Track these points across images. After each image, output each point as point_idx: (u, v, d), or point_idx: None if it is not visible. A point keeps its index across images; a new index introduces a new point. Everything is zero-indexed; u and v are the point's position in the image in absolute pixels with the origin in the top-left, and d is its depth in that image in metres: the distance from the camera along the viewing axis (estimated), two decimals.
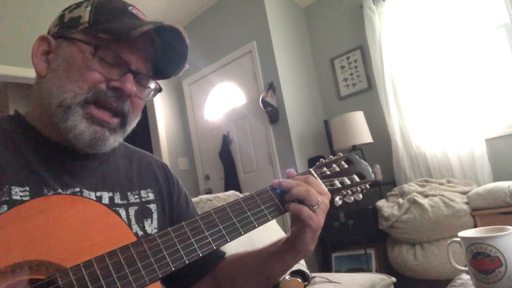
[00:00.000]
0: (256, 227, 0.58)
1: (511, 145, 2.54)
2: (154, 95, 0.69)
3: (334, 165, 0.73)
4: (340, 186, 0.69)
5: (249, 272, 0.71)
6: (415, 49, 2.85)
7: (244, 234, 0.57)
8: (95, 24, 0.60)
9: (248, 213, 0.58)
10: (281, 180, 0.63)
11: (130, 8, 0.64)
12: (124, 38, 0.58)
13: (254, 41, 3.29)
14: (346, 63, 3.37)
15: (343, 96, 3.39)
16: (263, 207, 0.60)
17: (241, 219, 0.57)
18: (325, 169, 0.72)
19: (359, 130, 2.83)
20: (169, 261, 0.49)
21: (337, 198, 0.69)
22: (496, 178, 2.47)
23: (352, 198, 0.71)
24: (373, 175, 0.75)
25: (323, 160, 0.74)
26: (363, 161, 0.76)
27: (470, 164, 2.58)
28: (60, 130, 0.58)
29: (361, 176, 0.73)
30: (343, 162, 0.74)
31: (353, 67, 3.32)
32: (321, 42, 3.57)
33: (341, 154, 0.77)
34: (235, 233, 0.56)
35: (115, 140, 0.62)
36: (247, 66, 3.38)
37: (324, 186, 0.66)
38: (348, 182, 0.71)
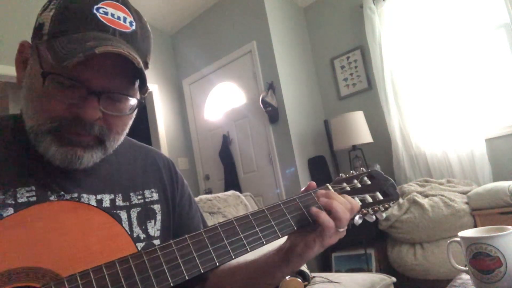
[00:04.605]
0: (280, 237, 0.56)
1: (511, 145, 2.54)
2: (138, 106, 0.60)
3: (355, 181, 0.69)
4: (360, 204, 0.65)
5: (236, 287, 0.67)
6: (415, 49, 2.84)
7: (266, 243, 0.55)
8: (53, 37, 0.52)
9: (272, 222, 0.56)
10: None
11: (96, 7, 0.53)
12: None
13: (254, 41, 3.29)
14: (346, 63, 3.36)
15: (343, 96, 3.38)
16: (288, 216, 0.58)
17: (264, 228, 0.55)
18: (345, 184, 0.68)
19: (359, 130, 2.83)
20: (168, 276, 0.46)
21: (356, 217, 0.64)
22: (496, 178, 2.47)
23: (373, 217, 0.66)
24: (398, 193, 0.69)
25: (343, 175, 0.70)
26: (387, 177, 0.71)
27: (470, 164, 2.58)
28: None
29: (385, 194, 0.68)
30: (365, 178, 0.69)
31: (353, 67, 3.32)
32: (321, 42, 3.56)
33: (364, 169, 0.72)
34: (257, 243, 0.54)
35: (92, 156, 0.56)
36: (247, 66, 3.38)
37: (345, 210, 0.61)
38: (370, 200, 0.66)
